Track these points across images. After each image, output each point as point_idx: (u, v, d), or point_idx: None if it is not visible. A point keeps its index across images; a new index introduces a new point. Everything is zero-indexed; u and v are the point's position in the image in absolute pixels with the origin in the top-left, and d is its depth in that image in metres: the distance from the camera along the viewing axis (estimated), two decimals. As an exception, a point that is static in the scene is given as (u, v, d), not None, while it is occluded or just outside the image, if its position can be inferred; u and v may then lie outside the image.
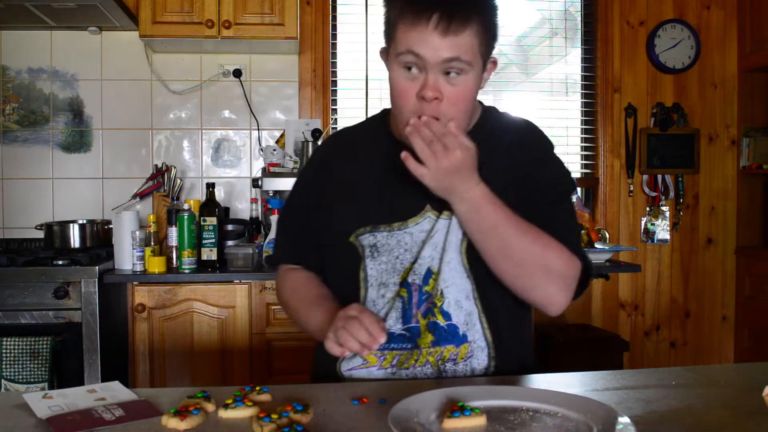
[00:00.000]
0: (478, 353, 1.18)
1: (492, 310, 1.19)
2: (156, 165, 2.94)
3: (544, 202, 1.18)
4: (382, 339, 1.02)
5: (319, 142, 2.80)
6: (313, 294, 1.27)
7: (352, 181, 1.26)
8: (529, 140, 1.25)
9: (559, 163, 1.25)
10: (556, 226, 1.14)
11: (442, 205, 1.17)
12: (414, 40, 1.07)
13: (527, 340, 1.30)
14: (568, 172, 1.25)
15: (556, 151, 1.27)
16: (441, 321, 1.17)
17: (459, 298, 1.18)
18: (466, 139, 1.06)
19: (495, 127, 1.25)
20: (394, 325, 1.18)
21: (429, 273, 1.18)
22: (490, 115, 1.28)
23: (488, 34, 1.12)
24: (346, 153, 1.31)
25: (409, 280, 1.18)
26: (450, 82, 1.09)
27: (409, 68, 1.10)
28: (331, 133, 3.06)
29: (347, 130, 1.40)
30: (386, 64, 1.17)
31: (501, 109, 1.31)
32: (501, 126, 1.27)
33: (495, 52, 1.18)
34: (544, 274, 1.11)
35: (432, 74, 1.09)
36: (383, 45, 1.18)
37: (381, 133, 1.28)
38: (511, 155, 1.21)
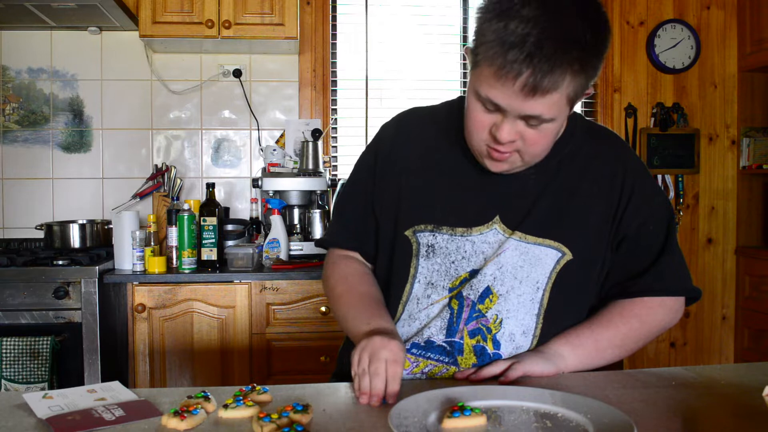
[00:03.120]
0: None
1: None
2: (156, 165, 2.94)
3: (656, 244, 1.18)
4: (390, 400, 0.96)
5: (313, 139, 2.80)
6: (363, 291, 1.21)
7: (419, 174, 1.20)
8: (626, 166, 1.19)
9: (660, 192, 1.23)
10: (666, 276, 1.18)
11: (514, 222, 1.14)
12: (496, 91, 0.98)
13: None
14: (666, 198, 1.23)
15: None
16: (490, 348, 1.12)
17: (515, 331, 1.13)
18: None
19: (582, 144, 1.19)
20: (437, 334, 1.13)
21: (488, 292, 1.13)
22: (576, 127, 1.19)
23: (587, 80, 1.00)
24: (416, 142, 1.23)
25: (464, 293, 1.13)
26: (530, 126, 1.01)
27: (488, 108, 1.02)
28: (328, 128, 3.06)
29: (417, 115, 1.29)
30: (469, 64, 1.07)
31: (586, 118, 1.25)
32: (590, 142, 1.20)
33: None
34: (655, 335, 1.21)
35: (510, 119, 1.01)
36: (470, 45, 1.05)
37: (456, 129, 1.18)
38: (607, 182, 1.16)
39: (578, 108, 3.24)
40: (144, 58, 2.96)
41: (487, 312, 1.13)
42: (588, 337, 1.15)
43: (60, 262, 2.32)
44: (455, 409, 0.86)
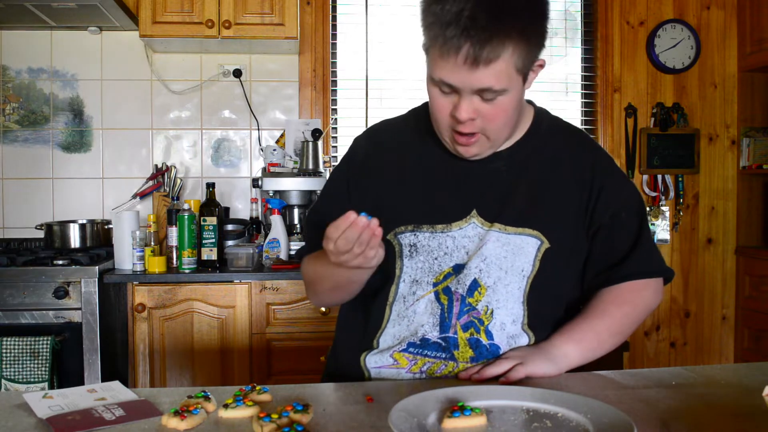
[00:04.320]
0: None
1: (538, 338, 1.18)
2: (156, 165, 2.94)
3: (631, 232, 1.21)
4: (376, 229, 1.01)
5: (313, 139, 2.80)
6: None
7: (395, 179, 1.23)
8: (594, 160, 1.23)
9: (628, 182, 1.27)
10: (645, 259, 1.21)
11: (491, 215, 1.16)
12: (444, 70, 1.04)
13: None
14: (635, 187, 1.28)
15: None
16: (484, 339, 1.15)
17: (505, 321, 1.16)
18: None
19: (549, 138, 1.23)
20: (430, 331, 1.16)
21: (475, 285, 1.15)
22: (542, 122, 1.24)
23: (531, 48, 1.05)
24: (387, 149, 1.27)
25: (452, 288, 1.16)
26: (486, 100, 1.06)
27: (443, 90, 1.07)
28: (328, 128, 3.06)
29: (387, 125, 1.34)
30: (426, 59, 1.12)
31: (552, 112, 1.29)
32: (557, 137, 1.24)
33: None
34: (644, 317, 1.25)
35: (466, 97, 1.05)
36: (423, 41, 1.10)
37: (425, 130, 1.22)
38: (577, 177, 1.20)
39: (578, 108, 3.25)
40: (144, 58, 2.96)
41: (477, 305, 1.15)
42: (588, 331, 1.17)
43: (60, 262, 2.32)
44: (455, 409, 0.86)
